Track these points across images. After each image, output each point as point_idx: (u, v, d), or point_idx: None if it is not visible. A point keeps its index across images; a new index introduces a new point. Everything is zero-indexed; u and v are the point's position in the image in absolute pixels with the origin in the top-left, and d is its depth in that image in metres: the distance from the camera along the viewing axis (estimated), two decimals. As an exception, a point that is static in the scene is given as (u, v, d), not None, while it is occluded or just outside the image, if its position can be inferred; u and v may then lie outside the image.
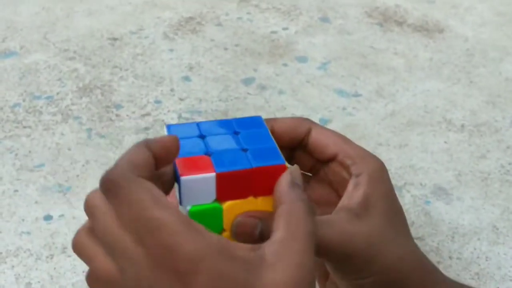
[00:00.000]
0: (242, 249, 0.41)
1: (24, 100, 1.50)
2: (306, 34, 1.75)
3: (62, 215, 1.24)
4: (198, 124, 0.47)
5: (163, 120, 1.46)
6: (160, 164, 0.44)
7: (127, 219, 0.41)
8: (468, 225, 1.23)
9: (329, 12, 1.84)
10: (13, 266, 1.14)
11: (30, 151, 1.37)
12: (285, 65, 1.64)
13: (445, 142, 1.43)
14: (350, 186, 0.49)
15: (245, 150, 0.45)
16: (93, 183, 1.30)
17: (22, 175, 1.32)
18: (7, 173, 1.32)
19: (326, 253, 0.46)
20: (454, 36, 1.77)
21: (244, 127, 0.48)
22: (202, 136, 0.46)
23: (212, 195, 0.45)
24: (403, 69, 1.64)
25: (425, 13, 1.85)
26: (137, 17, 1.79)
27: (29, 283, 1.12)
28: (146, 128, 1.43)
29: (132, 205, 0.40)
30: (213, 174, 0.44)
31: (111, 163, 1.35)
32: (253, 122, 0.49)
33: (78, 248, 0.44)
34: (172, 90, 1.55)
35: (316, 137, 0.48)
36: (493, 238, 1.20)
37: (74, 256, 1.17)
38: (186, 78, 1.59)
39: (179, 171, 0.43)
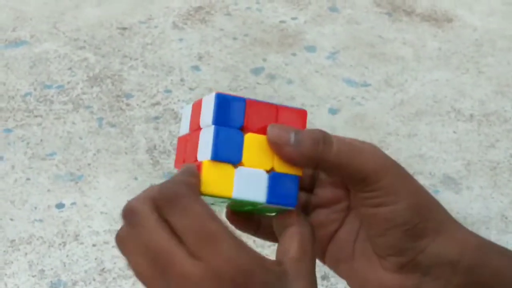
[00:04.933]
0: (273, 264, 0.46)
1: (35, 89, 1.51)
2: (315, 24, 1.76)
3: (74, 203, 1.25)
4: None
5: (173, 109, 1.47)
6: None
7: (187, 230, 0.43)
8: (477, 214, 1.24)
9: (338, 2, 1.84)
10: (26, 254, 1.16)
11: (41, 140, 1.38)
12: (294, 54, 1.65)
13: (454, 132, 1.44)
14: None
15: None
16: (105, 172, 1.31)
17: (34, 163, 1.33)
18: (19, 161, 1.33)
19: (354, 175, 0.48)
20: (462, 26, 1.77)
21: None
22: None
23: (241, 120, 0.47)
24: (411, 58, 1.65)
25: (434, 3, 1.85)
26: (146, 6, 1.80)
27: (42, 270, 1.13)
28: (156, 117, 1.44)
29: (193, 218, 0.43)
30: (243, 98, 0.48)
31: (121, 152, 1.36)
32: None
33: (120, 247, 0.45)
34: (182, 79, 1.56)
35: None
36: (501, 227, 1.21)
37: (87, 243, 1.18)
38: (196, 68, 1.60)
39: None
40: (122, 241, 0.45)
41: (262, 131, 0.48)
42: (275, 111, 0.48)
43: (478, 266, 0.49)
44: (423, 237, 0.48)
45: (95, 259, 1.15)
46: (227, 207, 0.51)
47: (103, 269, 1.13)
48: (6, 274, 1.12)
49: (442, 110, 1.49)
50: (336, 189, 0.52)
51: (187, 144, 0.50)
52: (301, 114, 0.49)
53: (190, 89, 1.53)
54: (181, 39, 1.68)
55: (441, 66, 1.63)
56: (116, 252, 1.17)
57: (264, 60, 1.62)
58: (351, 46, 1.68)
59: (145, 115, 1.45)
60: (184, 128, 0.51)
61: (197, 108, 0.49)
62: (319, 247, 0.53)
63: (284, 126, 0.48)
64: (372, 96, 1.53)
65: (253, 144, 0.48)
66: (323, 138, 0.47)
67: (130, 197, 1.23)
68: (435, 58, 1.65)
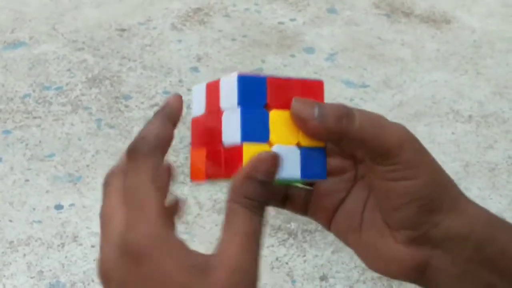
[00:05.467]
0: (193, 255, 0.45)
1: (34, 91, 1.51)
2: (313, 25, 1.76)
3: (72, 204, 1.25)
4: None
5: (171, 111, 1.47)
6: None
7: (127, 189, 0.46)
8: (475, 215, 1.24)
9: (336, 3, 1.84)
10: (24, 255, 1.16)
11: (40, 141, 1.38)
12: (292, 56, 1.65)
13: (453, 133, 1.44)
14: None
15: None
16: (103, 173, 1.31)
17: (32, 164, 1.33)
18: (18, 162, 1.33)
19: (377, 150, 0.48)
20: (461, 27, 1.77)
21: None
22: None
23: (264, 99, 0.48)
24: (410, 60, 1.65)
25: (432, 4, 1.85)
26: (145, 8, 1.80)
27: (40, 271, 1.13)
28: (155, 119, 1.45)
29: (136, 179, 0.46)
30: (264, 76, 0.49)
31: (120, 153, 1.36)
32: None
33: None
34: (180, 81, 1.56)
35: None
36: (500, 228, 1.21)
37: (85, 244, 1.18)
38: (195, 69, 1.60)
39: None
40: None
41: (284, 106, 0.48)
42: (294, 85, 0.49)
43: (487, 240, 0.50)
44: (438, 212, 0.49)
45: (94, 260, 1.15)
46: None
47: (102, 270, 1.14)
48: (4, 276, 1.12)
49: (440, 111, 1.49)
50: (344, 159, 0.52)
51: (206, 126, 0.50)
52: (318, 85, 0.49)
53: (189, 90, 1.53)
54: (179, 41, 1.69)
55: (439, 67, 1.63)
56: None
57: (263, 61, 1.62)
58: (350, 47, 1.68)
59: (143, 116, 1.45)
60: (198, 109, 0.51)
61: (213, 89, 0.49)
62: (325, 216, 0.53)
63: (308, 101, 0.48)
64: (370, 97, 1.53)
65: (278, 120, 0.48)
66: (347, 112, 0.48)
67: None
68: (434, 59, 1.66)
